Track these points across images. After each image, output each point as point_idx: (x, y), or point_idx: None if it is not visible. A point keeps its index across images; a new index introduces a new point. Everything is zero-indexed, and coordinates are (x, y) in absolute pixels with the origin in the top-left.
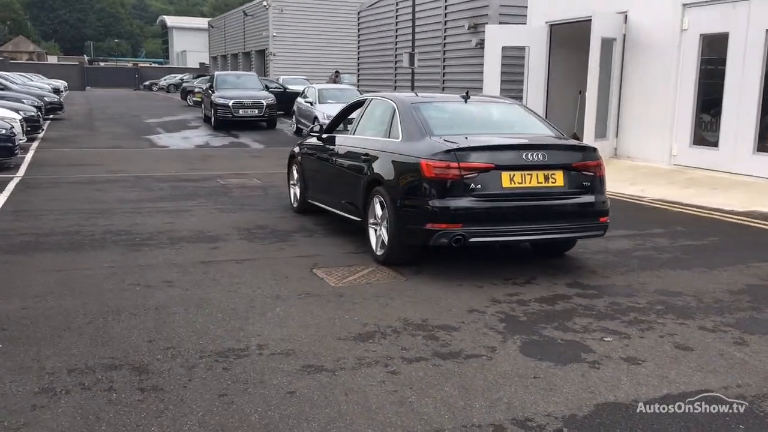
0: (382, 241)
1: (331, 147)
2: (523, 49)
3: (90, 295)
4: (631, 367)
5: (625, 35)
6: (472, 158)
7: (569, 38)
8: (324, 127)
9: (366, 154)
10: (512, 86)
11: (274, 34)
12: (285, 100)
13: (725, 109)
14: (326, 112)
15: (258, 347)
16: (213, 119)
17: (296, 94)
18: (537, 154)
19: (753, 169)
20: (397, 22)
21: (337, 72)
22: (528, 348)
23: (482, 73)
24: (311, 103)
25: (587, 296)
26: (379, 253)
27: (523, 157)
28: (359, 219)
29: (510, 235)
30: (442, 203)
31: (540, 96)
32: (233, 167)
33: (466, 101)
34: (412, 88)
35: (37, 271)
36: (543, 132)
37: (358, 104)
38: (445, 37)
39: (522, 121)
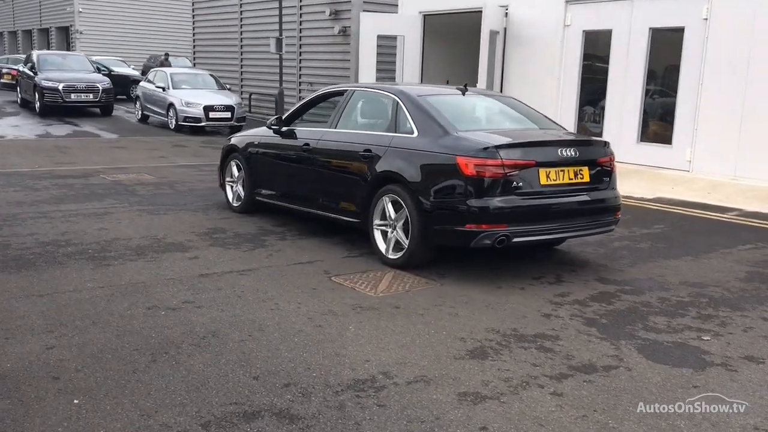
0: (396, 243)
1: (300, 142)
2: (393, 38)
3: (115, 325)
4: (761, 366)
5: (506, 29)
6: (514, 155)
7: (441, 29)
8: (282, 119)
9: (367, 151)
10: (383, 75)
11: (81, 9)
12: (113, 83)
13: (609, 101)
14: (185, 98)
15: (384, 375)
16: (38, 105)
17: (125, 78)
18: (570, 150)
19: (637, 158)
20: (241, 4)
21: (166, 55)
22: (649, 354)
23: (347, 61)
24: (163, 89)
25: (629, 292)
26: (392, 256)
27: (559, 153)
28: (354, 220)
29: (549, 234)
30: (484, 203)
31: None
32: (104, 161)
33: (464, 94)
34: (281, 77)
35: (10, 298)
36: (552, 127)
37: (325, 96)
38: (301, 23)
39: (528, 116)
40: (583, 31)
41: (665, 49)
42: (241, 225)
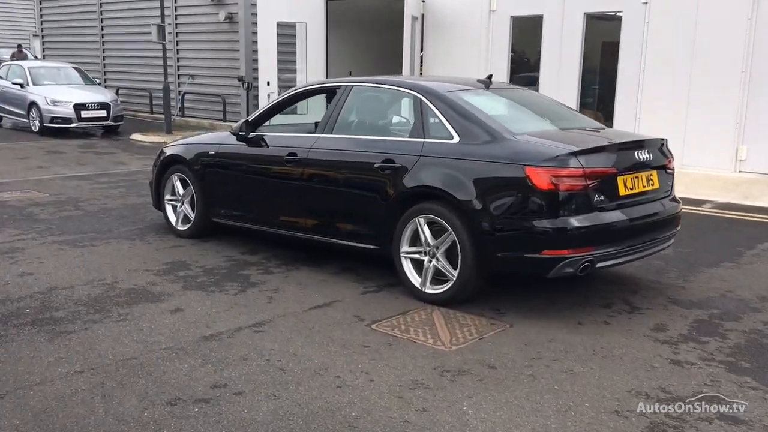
0: (437, 273)
1: (282, 152)
2: (291, 26)
3: None
4: None
5: (423, 15)
6: (595, 162)
7: (343, 17)
8: (249, 122)
9: (388, 162)
10: (283, 68)
11: None
12: None
13: (542, 88)
14: (50, 96)
15: None
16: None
17: None
18: (645, 153)
19: None
20: None
21: (19, 46)
22: None
23: (235, 51)
24: (21, 86)
25: (724, 317)
26: (432, 290)
27: (636, 156)
28: (369, 247)
29: (633, 253)
30: (565, 222)
31: (320, 78)
32: None
33: (488, 88)
34: (165, 69)
35: None
36: (595, 124)
37: (307, 94)
38: (176, 8)
39: (566, 112)
40: (511, 17)
41: (601, 35)
42: (203, 255)
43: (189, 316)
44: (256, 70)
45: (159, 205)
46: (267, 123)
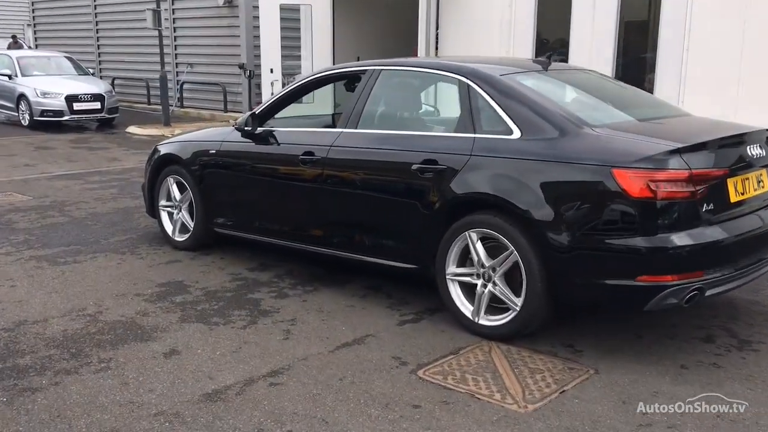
0: (492, 300)
1: (296, 150)
2: (294, 10)
3: None
4: None
5: None
6: (703, 162)
7: None
8: (256, 115)
9: (430, 163)
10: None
11: None
12: None
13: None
14: (40, 87)
15: None
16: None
17: None
18: (757, 148)
19: None
20: None
21: (14, 37)
22: None
23: (235, 37)
24: (9, 77)
25: None
26: (488, 322)
27: (748, 152)
28: (407, 266)
29: (746, 276)
30: (668, 240)
31: (327, 64)
32: None
33: (547, 69)
34: (162, 58)
35: None
36: (681, 110)
37: (326, 81)
38: None
39: (645, 97)
40: None
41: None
42: (204, 273)
43: (187, 361)
44: (258, 56)
45: (153, 211)
46: (276, 116)
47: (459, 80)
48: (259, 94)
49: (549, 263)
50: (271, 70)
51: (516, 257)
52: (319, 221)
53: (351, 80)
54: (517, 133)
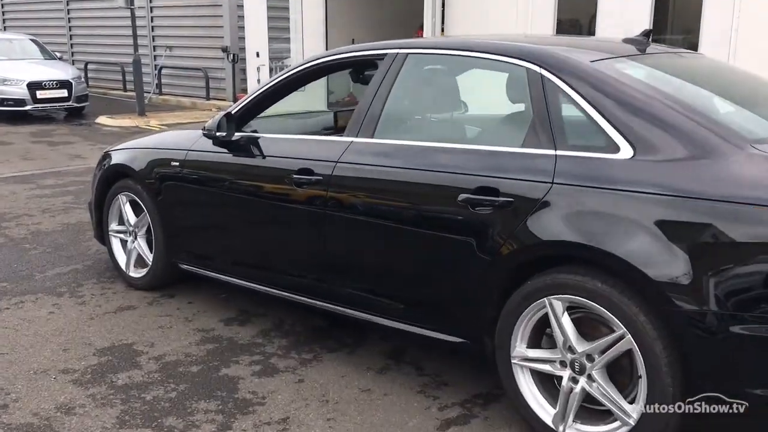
0: (587, 400)
1: (288, 166)
2: None
3: None
4: None
5: None
6: None
7: None
8: (232, 116)
9: (487, 193)
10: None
11: None
12: None
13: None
14: (6, 75)
15: None
16: None
17: None
18: None
19: None
20: None
21: None
22: None
23: (218, 17)
24: None
25: None
26: (588, 428)
27: None
28: (455, 339)
29: None
30: None
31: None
32: None
33: (644, 52)
34: (135, 40)
35: None
36: None
37: (326, 70)
38: None
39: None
40: None
41: None
42: (164, 329)
43: None
44: (242, 39)
45: (103, 237)
46: (261, 115)
47: (528, 70)
48: (245, 80)
49: (691, 355)
50: (258, 54)
51: (630, 343)
52: (319, 265)
53: (362, 68)
54: (627, 151)
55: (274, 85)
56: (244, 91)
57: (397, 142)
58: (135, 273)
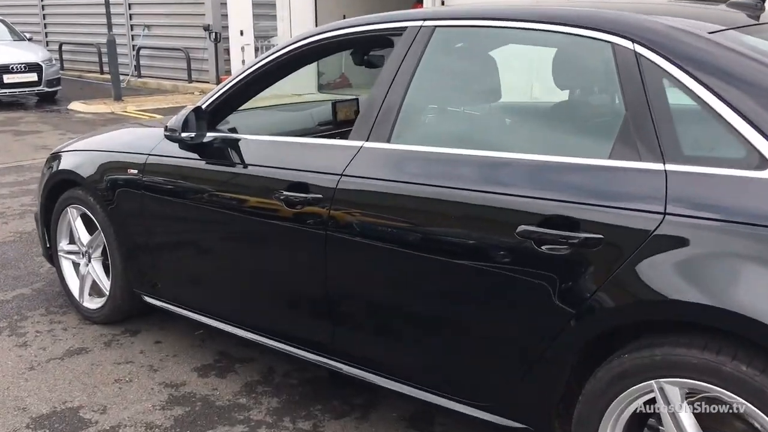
0: None
1: (261, 176)
2: None
3: None
4: None
5: None
6: None
7: None
8: (203, 111)
9: (558, 225)
10: (260, 12)
11: None
12: None
13: None
14: None
15: None
16: None
17: None
18: None
19: None
20: None
21: None
22: None
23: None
24: None
25: None
26: None
27: None
28: (511, 423)
29: None
30: None
31: (308, 25)
32: None
33: (758, 21)
34: (108, 16)
35: None
36: None
37: (323, 50)
38: None
39: None
40: None
41: None
42: (122, 384)
43: None
44: (225, 16)
45: (53, 258)
46: (240, 107)
47: (616, 47)
48: (228, 60)
49: None
50: (241, 32)
51: None
52: (319, 308)
53: (370, 47)
54: None
55: (255, 70)
56: (228, 72)
57: (423, 149)
58: (90, 303)
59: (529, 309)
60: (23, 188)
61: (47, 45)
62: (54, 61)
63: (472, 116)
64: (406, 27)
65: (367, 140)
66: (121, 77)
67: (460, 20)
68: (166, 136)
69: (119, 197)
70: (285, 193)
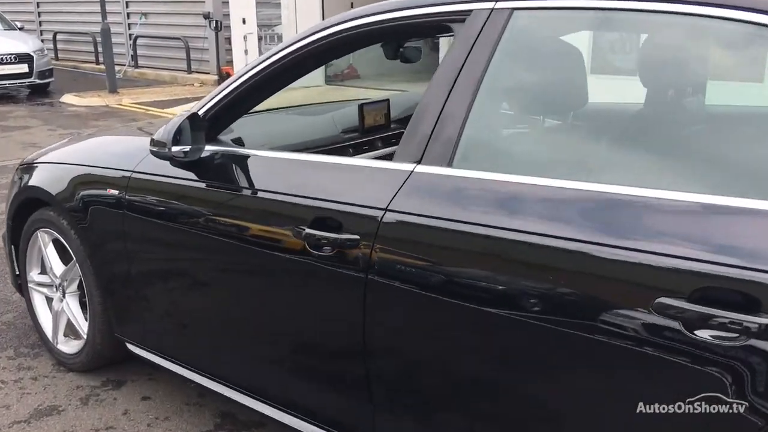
0: None
1: (274, 210)
2: None
3: None
4: None
5: None
6: None
7: None
8: (202, 117)
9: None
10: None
11: None
12: None
13: None
14: None
15: None
16: None
17: None
18: None
19: None
20: None
21: None
22: None
23: None
24: None
25: None
26: None
27: None
28: None
29: None
30: None
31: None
32: None
33: None
34: (103, 6)
35: None
36: None
37: (354, 39)
38: None
39: None
40: None
41: None
42: None
43: None
44: (226, 4)
45: (22, 288)
46: (243, 115)
47: None
48: (230, 50)
49: None
50: (244, 21)
51: None
52: (351, 381)
53: (418, 36)
54: None
55: (268, 67)
56: (230, 63)
57: (501, 177)
58: (65, 347)
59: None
60: (3, 193)
61: (41, 34)
62: (45, 52)
63: (575, 131)
64: (472, 10)
65: (419, 162)
66: (118, 68)
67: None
68: (153, 152)
69: (97, 223)
70: (308, 231)
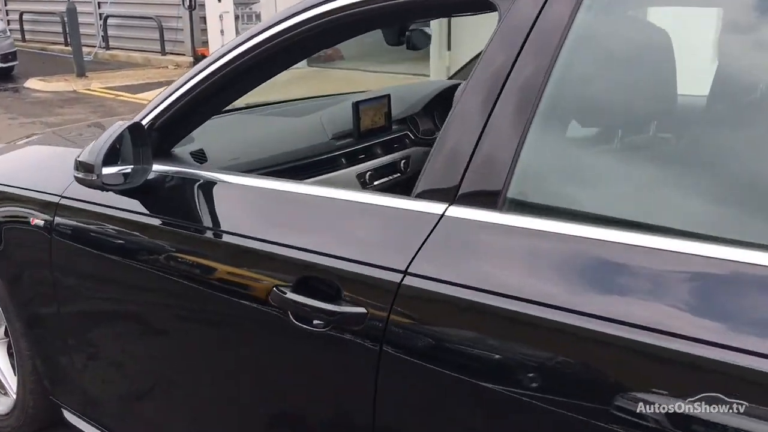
0: None
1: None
2: None
3: None
4: None
5: None
6: None
7: None
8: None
9: None
10: None
11: None
12: None
13: None
14: None
15: None
16: None
17: None
18: None
19: None
20: None
21: None
22: None
23: None
24: None
25: None
26: None
27: None
28: None
29: None
30: None
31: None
32: None
33: None
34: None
35: None
36: None
37: (350, 23)
38: None
39: None
40: None
41: None
42: None
43: None
44: None
45: None
46: (206, 121)
47: None
48: (205, 30)
49: None
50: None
51: None
52: None
53: (437, 15)
54: None
55: (240, 56)
56: (205, 44)
57: (583, 231)
58: None
59: None
60: None
61: (7, 14)
62: (8, 33)
63: (686, 156)
64: None
65: (453, 202)
66: (87, 50)
67: None
68: (77, 179)
69: (20, 258)
70: (291, 296)
